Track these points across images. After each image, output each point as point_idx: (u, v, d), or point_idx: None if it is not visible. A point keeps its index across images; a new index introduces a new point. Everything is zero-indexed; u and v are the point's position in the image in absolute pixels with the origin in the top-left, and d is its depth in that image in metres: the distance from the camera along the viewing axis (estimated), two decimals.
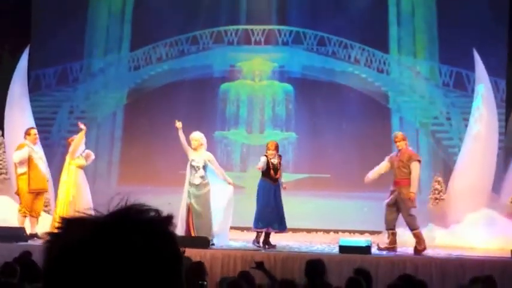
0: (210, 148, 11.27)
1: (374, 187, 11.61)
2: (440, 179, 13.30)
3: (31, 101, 14.41)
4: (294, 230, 12.10)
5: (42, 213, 11.94)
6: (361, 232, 13.14)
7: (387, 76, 14.90)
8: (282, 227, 10.87)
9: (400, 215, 10.67)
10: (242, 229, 12.63)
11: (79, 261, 1.20)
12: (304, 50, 15.15)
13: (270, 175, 10.90)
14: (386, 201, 10.69)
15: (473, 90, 13.75)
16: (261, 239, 10.83)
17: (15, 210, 11.64)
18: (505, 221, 12.06)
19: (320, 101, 14.83)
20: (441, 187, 13.17)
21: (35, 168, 11.62)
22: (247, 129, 15.11)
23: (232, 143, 15.02)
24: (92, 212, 1.28)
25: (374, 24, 14.93)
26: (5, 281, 5.58)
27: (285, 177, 11.31)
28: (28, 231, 11.15)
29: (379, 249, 10.56)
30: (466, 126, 13.54)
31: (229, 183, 11.12)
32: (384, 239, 10.95)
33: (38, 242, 10.27)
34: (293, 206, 11.25)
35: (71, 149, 11.53)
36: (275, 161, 10.98)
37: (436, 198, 13.13)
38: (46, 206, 12.76)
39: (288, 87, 15.16)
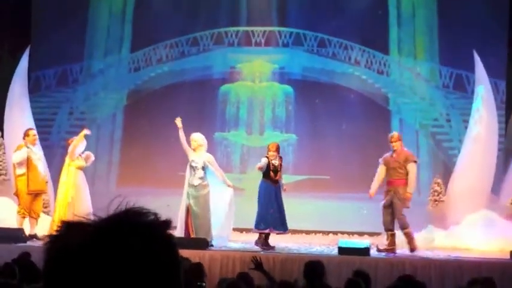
0: (210, 149, 11.27)
1: None
2: (439, 180, 13.30)
3: (31, 101, 14.42)
4: (293, 232, 12.09)
5: (42, 215, 11.94)
6: (360, 234, 13.14)
7: (387, 77, 14.90)
8: (283, 229, 10.87)
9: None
10: (241, 230, 12.63)
11: (78, 264, 1.21)
12: (304, 51, 15.16)
13: (271, 176, 10.90)
14: (382, 202, 10.69)
15: (473, 92, 13.76)
16: (264, 241, 10.84)
17: (15, 211, 11.64)
18: (505, 223, 12.06)
19: (320, 102, 14.83)
20: (441, 189, 13.17)
21: (34, 170, 11.61)
22: (247, 130, 15.11)
23: (232, 144, 15.02)
24: (92, 217, 1.28)
25: (374, 25, 14.94)
26: (4, 281, 5.57)
27: (285, 179, 11.31)
28: (27, 232, 11.15)
29: (378, 250, 10.55)
30: (466, 127, 13.54)
31: (229, 186, 11.10)
32: (383, 241, 10.95)
33: (37, 243, 10.27)
34: (292, 208, 11.25)
35: (70, 149, 11.52)
36: (276, 162, 10.98)
37: (436, 200, 13.13)
38: (45, 207, 12.76)
39: (288, 88, 15.16)
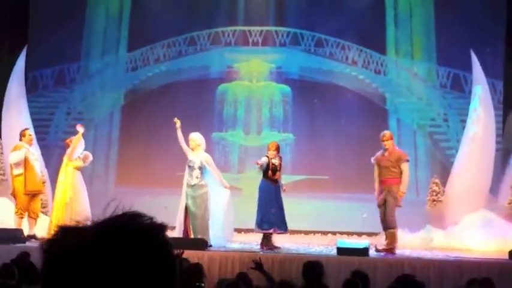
0: (208, 149, 11.26)
1: (372, 189, 11.58)
2: (437, 180, 13.31)
3: (28, 101, 14.40)
4: (292, 232, 12.08)
5: (40, 215, 11.92)
6: (359, 234, 13.15)
7: (384, 77, 14.91)
8: (284, 228, 10.88)
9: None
10: (240, 231, 12.62)
11: (76, 268, 1.21)
12: (301, 51, 15.16)
13: (270, 176, 10.89)
14: (377, 202, 10.71)
15: (470, 92, 13.78)
16: (269, 241, 10.84)
17: (13, 212, 11.62)
18: (503, 223, 12.06)
19: (317, 102, 14.83)
20: (439, 189, 13.17)
21: (31, 170, 11.60)
22: (245, 130, 15.11)
23: (230, 144, 15.02)
24: (88, 221, 1.29)
25: (371, 25, 14.95)
26: (3, 282, 5.56)
27: (283, 179, 11.30)
28: (26, 232, 11.13)
29: (377, 250, 10.55)
30: (464, 127, 13.56)
31: (225, 187, 11.08)
32: (381, 241, 10.95)
33: (36, 244, 10.24)
34: (291, 208, 11.24)
35: (68, 150, 11.50)
36: (276, 161, 10.98)
37: (434, 200, 13.14)
38: (44, 208, 12.74)
39: (286, 88, 15.16)
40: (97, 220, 1.28)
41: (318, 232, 13.70)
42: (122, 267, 1.21)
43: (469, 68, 13.80)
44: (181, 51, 15.49)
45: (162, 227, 1.30)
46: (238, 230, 12.57)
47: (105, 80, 15.57)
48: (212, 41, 15.40)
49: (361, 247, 10.09)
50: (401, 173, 10.55)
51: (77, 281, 1.21)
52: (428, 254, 10.71)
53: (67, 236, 1.26)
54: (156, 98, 15.06)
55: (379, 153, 10.82)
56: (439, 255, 10.61)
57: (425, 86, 14.74)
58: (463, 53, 13.81)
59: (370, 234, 12.66)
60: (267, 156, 10.98)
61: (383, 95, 14.88)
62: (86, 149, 11.87)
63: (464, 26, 14.19)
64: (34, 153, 11.97)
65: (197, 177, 10.69)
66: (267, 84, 15.30)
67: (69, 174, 11.41)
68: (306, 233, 13.50)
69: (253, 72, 15.33)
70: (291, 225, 11.07)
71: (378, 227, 11.03)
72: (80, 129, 11.57)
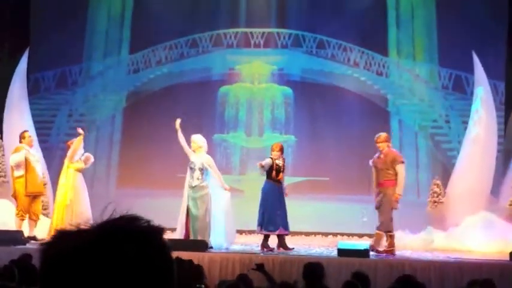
0: (209, 151, 11.27)
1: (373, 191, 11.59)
2: (439, 182, 13.29)
3: (30, 103, 14.42)
4: (293, 233, 12.07)
5: (41, 217, 11.93)
6: (360, 235, 13.14)
7: (386, 79, 14.91)
8: (287, 229, 10.90)
9: (393, 216, 10.66)
10: (241, 232, 12.62)
11: (73, 271, 1.21)
12: (303, 53, 15.16)
13: (274, 176, 10.89)
14: (375, 204, 10.72)
15: (472, 93, 13.76)
16: (266, 242, 10.85)
17: (14, 214, 11.64)
18: (504, 224, 12.04)
19: (319, 104, 14.83)
20: (440, 190, 13.16)
21: (32, 171, 11.61)
22: (247, 132, 15.11)
23: (232, 146, 15.02)
24: (88, 224, 1.29)
25: (373, 27, 14.95)
26: (3, 284, 5.56)
27: (285, 181, 11.30)
28: (26, 234, 11.14)
29: (378, 252, 10.54)
30: (465, 129, 13.54)
31: (226, 189, 11.06)
32: (382, 242, 10.94)
33: (36, 245, 10.25)
34: (292, 209, 11.23)
35: (69, 153, 11.52)
36: (280, 162, 10.99)
37: (435, 201, 13.12)
38: (45, 209, 12.76)
39: (287, 90, 15.16)
40: (95, 223, 1.29)
41: (319, 233, 13.69)
42: (119, 270, 1.21)
43: (470, 70, 13.79)
44: (183, 53, 15.50)
45: (160, 230, 1.30)
46: (240, 232, 12.56)
47: (107, 82, 15.58)
48: (214, 43, 15.41)
49: (362, 248, 10.08)
50: (396, 174, 10.55)
51: (74, 284, 1.21)
52: (429, 255, 10.70)
53: (65, 239, 1.27)
54: (158, 100, 15.07)
55: (376, 156, 10.83)
56: (440, 256, 10.60)
57: (427, 88, 14.73)
58: (464, 54, 13.80)
59: (370, 236, 12.63)
60: (271, 158, 10.99)
61: (385, 96, 14.87)
62: (87, 151, 11.88)
63: (466, 27, 14.18)
64: (35, 154, 11.99)
65: (198, 179, 10.70)
66: (269, 86, 15.30)
67: (70, 176, 11.43)
68: (307, 234, 13.49)
69: (255, 74, 15.33)
70: (291, 227, 11.08)
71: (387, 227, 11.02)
72: (80, 131, 11.59)
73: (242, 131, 15.11)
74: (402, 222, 11.73)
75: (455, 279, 9.13)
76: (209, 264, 9.44)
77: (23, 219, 11.46)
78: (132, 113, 15.29)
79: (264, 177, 11.13)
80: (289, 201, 11.16)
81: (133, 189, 13.94)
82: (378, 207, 10.69)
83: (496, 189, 12.93)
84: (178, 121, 10.85)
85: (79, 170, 11.55)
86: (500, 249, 11.05)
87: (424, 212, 13.04)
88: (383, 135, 10.90)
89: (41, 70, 15.35)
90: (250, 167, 14.43)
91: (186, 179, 10.86)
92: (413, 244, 11.96)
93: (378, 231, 10.69)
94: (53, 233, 1.31)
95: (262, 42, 15.31)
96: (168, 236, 10.59)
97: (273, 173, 10.88)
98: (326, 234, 13.61)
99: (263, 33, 15.31)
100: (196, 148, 10.84)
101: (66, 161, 11.56)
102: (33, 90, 15.07)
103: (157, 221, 1.34)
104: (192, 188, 10.69)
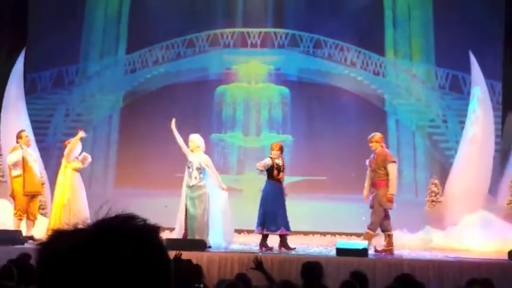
0: (207, 151, 11.26)
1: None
2: (436, 181, 13.31)
3: (27, 103, 14.40)
4: (291, 233, 12.05)
5: (39, 216, 11.92)
6: (358, 235, 13.13)
7: (383, 79, 14.92)
8: (289, 229, 10.91)
9: (390, 216, 10.67)
10: (239, 232, 12.61)
11: (69, 270, 1.21)
12: (300, 52, 15.16)
13: (275, 176, 10.89)
14: (370, 204, 10.74)
15: (469, 93, 13.78)
16: (264, 241, 10.84)
17: (12, 213, 11.62)
18: (502, 223, 12.06)
19: (316, 103, 14.83)
20: (438, 189, 13.18)
21: (30, 171, 11.60)
22: (244, 131, 15.11)
23: (229, 145, 15.01)
24: (82, 224, 1.28)
25: (370, 27, 14.96)
26: (1, 283, 5.55)
27: (284, 180, 11.29)
28: (24, 233, 11.12)
29: (376, 251, 10.55)
30: (463, 128, 13.57)
31: (223, 189, 11.05)
32: (380, 242, 10.94)
33: (34, 245, 10.23)
34: (290, 209, 11.22)
35: (66, 152, 11.51)
36: (279, 162, 10.98)
37: (433, 201, 13.14)
38: (42, 209, 12.75)
39: (284, 89, 15.16)
40: (90, 223, 1.28)
41: (317, 233, 13.68)
42: (115, 269, 1.20)
43: (467, 69, 13.80)
44: (179, 53, 15.49)
45: (156, 229, 1.30)
46: (238, 231, 12.56)
47: (103, 82, 15.56)
48: (211, 43, 15.40)
49: (360, 248, 10.08)
50: (388, 174, 10.56)
51: (70, 283, 1.20)
52: (427, 255, 10.71)
53: (61, 239, 1.26)
54: (155, 100, 15.05)
55: (371, 157, 10.86)
56: (438, 255, 10.61)
57: (424, 87, 14.74)
58: (461, 54, 13.82)
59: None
60: (270, 157, 10.98)
61: (382, 96, 14.88)
62: (84, 151, 11.87)
63: (463, 27, 14.19)
64: (32, 154, 11.98)
65: (196, 178, 10.70)
66: (266, 85, 15.30)
67: (68, 176, 11.41)
68: (305, 233, 13.48)
69: (252, 73, 15.33)
70: (290, 226, 11.07)
71: (377, 228, 11.03)
72: (82, 133, 11.56)
73: (239, 130, 15.11)
74: (400, 222, 11.73)
75: (453, 279, 9.13)
76: (208, 263, 9.43)
77: (21, 219, 11.45)
78: (129, 112, 15.28)
79: (263, 177, 11.13)
80: (286, 201, 11.16)
81: (131, 189, 13.93)
82: (371, 207, 10.72)
83: (493, 188, 12.95)
84: (173, 121, 10.85)
85: (76, 170, 11.53)
86: (499, 249, 11.06)
87: (422, 212, 13.05)
88: (377, 135, 10.89)
89: (37, 70, 15.33)
90: (248, 166, 14.43)
91: (184, 178, 10.86)
92: (411, 243, 11.98)
93: (367, 231, 10.70)
94: (50, 232, 1.30)
95: (259, 42, 15.31)
96: (166, 235, 10.60)
97: (275, 172, 10.87)
98: (324, 234, 13.60)
99: (260, 33, 15.31)
100: (194, 148, 10.84)
101: (63, 161, 11.54)
102: (30, 90, 15.04)
103: (155, 220, 1.33)
104: (190, 187, 10.69)
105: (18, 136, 11.81)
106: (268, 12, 15.38)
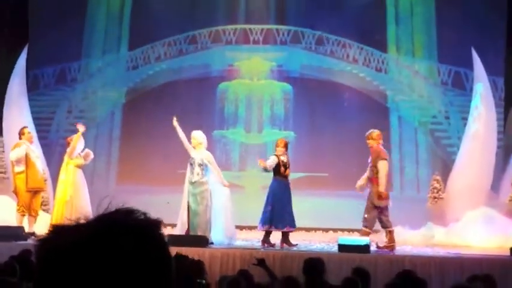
0: (209, 147, 11.27)
1: None
2: (439, 177, 13.31)
3: (29, 100, 14.42)
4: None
5: (41, 212, 11.94)
6: (360, 231, 13.13)
7: (386, 75, 14.91)
8: (294, 226, 10.91)
9: (389, 212, 10.68)
10: (241, 228, 12.61)
11: (69, 266, 1.20)
12: (302, 49, 15.16)
13: (281, 172, 10.88)
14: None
15: (471, 89, 13.78)
16: (267, 238, 10.85)
17: (15, 209, 11.64)
18: (504, 220, 12.06)
19: (318, 100, 14.83)
20: (440, 186, 13.17)
21: (33, 167, 11.62)
22: (246, 128, 15.11)
23: (231, 142, 15.01)
24: (83, 219, 1.27)
25: (372, 23, 14.95)
26: (4, 279, 5.56)
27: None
28: (26, 230, 11.14)
29: (378, 248, 10.55)
30: (465, 125, 13.56)
31: (225, 185, 11.05)
32: (382, 238, 10.95)
33: (34, 241, 10.23)
34: (292, 205, 11.23)
35: (68, 149, 11.52)
36: (285, 158, 10.98)
37: (435, 197, 13.14)
38: (45, 205, 12.78)
39: (286, 86, 15.16)
40: (91, 217, 1.27)
41: (319, 229, 13.69)
42: (116, 264, 1.20)
43: (470, 66, 13.80)
44: (182, 50, 15.49)
45: (157, 223, 1.28)
46: (240, 228, 12.56)
47: (106, 78, 15.57)
48: (213, 40, 15.40)
49: (362, 244, 10.08)
50: (378, 171, 10.58)
51: (70, 279, 1.19)
52: (429, 251, 10.71)
53: (61, 234, 1.25)
54: (157, 97, 15.06)
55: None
56: (440, 252, 10.61)
57: (426, 84, 14.74)
58: (464, 50, 13.81)
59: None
60: (275, 155, 10.96)
61: (384, 92, 14.88)
62: (87, 147, 11.88)
63: (465, 24, 14.18)
64: (35, 150, 12.00)
65: (198, 174, 10.71)
66: (268, 82, 15.30)
67: (70, 173, 11.42)
68: (307, 230, 13.48)
69: (254, 70, 15.33)
70: (295, 223, 11.08)
71: (379, 224, 11.03)
72: (81, 128, 11.57)
73: (241, 127, 15.11)
74: (402, 218, 11.74)
75: (455, 275, 9.12)
76: (210, 259, 9.44)
77: (23, 215, 11.47)
78: (132, 109, 15.29)
79: (264, 174, 11.13)
80: None
81: (133, 186, 13.94)
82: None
83: (496, 184, 12.95)
84: (174, 119, 10.86)
85: (79, 166, 11.55)
86: (501, 245, 11.06)
87: (424, 208, 13.05)
88: (374, 132, 10.88)
89: (40, 67, 15.34)
90: (250, 163, 14.44)
91: (186, 175, 10.87)
92: (413, 240, 11.98)
93: (363, 228, 10.69)
94: (48, 229, 1.30)
95: (261, 39, 15.30)
96: (168, 231, 10.61)
97: (281, 169, 10.86)
98: (326, 230, 13.62)
99: (262, 29, 15.31)
100: (196, 144, 10.85)
101: (65, 157, 11.56)
102: (33, 87, 15.06)
103: (157, 216, 1.33)
104: (192, 183, 10.70)
105: (21, 133, 11.83)
106: (271, 9, 15.38)
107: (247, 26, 15.35)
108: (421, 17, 14.91)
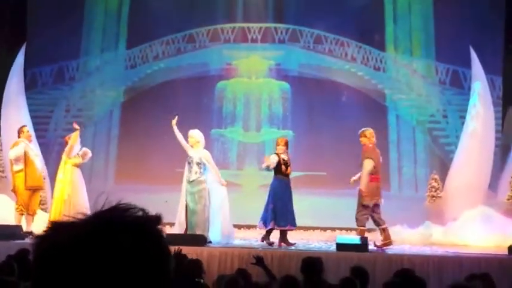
0: (207, 146, 11.27)
1: None
2: (437, 176, 13.31)
3: (27, 99, 14.41)
4: None
5: (39, 211, 11.94)
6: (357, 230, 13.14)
7: (384, 74, 14.91)
8: (294, 225, 10.91)
9: (381, 210, 10.71)
10: (239, 227, 12.61)
11: (66, 263, 1.19)
12: (300, 47, 15.15)
13: (283, 171, 10.87)
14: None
15: (469, 88, 13.78)
16: (267, 236, 10.85)
17: (13, 208, 11.64)
18: (502, 218, 12.06)
19: (316, 98, 14.82)
20: (438, 185, 13.18)
21: (31, 165, 11.62)
22: (244, 127, 15.10)
23: (229, 141, 15.01)
24: (80, 215, 1.25)
25: (370, 22, 14.95)
26: (0, 278, 5.55)
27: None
28: (24, 229, 11.14)
29: (376, 246, 10.56)
30: (463, 123, 13.56)
31: (222, 184, 11.03)
32: (379, 237, 10.95)
33: (31, 239, 10.22)
34: None
35: (66, 148, 11.52)
36: (285, 157, 10.97)
37: (433, 196, 13.15)
38: (43, 205, 12.77)
39: (285, 85, 15.16)
40: (88, 214, 1.25)
41: (317, 228, 13.69)
42: (113, 261, 1.18)
43: (468, 64, 13.79)
44: (180, 49, 15.49)
45: (156, 219, 1.26)
46: (238, 226, 12.56)
47: (104, 77, 15.56)
48: (211, 38, 15.39)
49: (360, 243, 10.09)
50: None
51: (67, 277, 1.18)
52: (427, 250, 10.72)
53: (58, 231, 1.24)
54: (155, 96, 15.05)
55: None
56: (438, 251, 10.61)
57: (424, 83, 14.74)
58: (462, 49, 13.81)
59: (369, 230, 12.64)
60: (276, 154, 10.95)
61: (382, 91, 14.88)
62: (85, 146, 11.88)
63: (463, 22, 14.18)
64: (33, 149, 12.01)
65: (196, 173, 10.71)
66: (266, 81, 15.30)
67: (68, 172, 11.42)
68: (305, 229, 13.47)
69: (252, 69, 15.33)
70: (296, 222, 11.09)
71: (364, 222, 11.04)
72: (76, 127, 11.58)
73: (239, 126, 15.10)
74: (400, 217, 11.75)
75: (453, 274, 9.13)
76: (208, 258, 9.44)
77: (22, 214, 11.47)
78: (130, 108, 15.28)
79: (262, 173, 11.14)
80: None
81: (131, 184, 13.92)
82: None
83: (494, 183, 12.96)
84: (174, 120, 10.86)
85: (76, 165, 11.55)
86: (499, 244, 11.06)
87: (422, 207, 13.06)
88: (367, 131, 10.91)
89: (38, 65, 15.33)
90: (248, 162, 14.44)
91: (184, 173, 10.87)
92: (411, 238, 11.98)
93: (358, 228, 10.73)
94: (46, 227, 1.28)
95: (259, 37, 15.30)
96: (166, 231, 10.59)
97: (283, 168, 10.85)
98: (324, 229, 13.61)
99: (260, 28, 15.30)
100: (194, 143, 10.85)
101: (63, 157, 11.56)
102: (31, 86, 15.05)
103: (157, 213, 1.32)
104: (190, 182, 10.70)
105: (20, 131, 11.83)
106: (269, 7, 15.37)
107: (245, 25, 15.35)
108: (419, 15, 14.91)
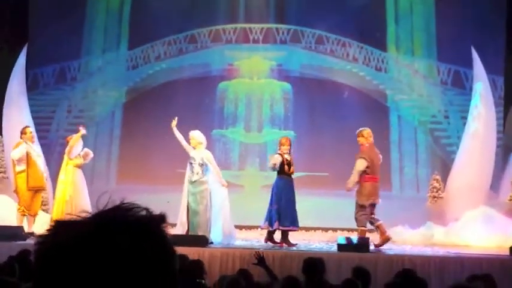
0: (208, 147, 11.27)
1: None
2: (438, 177, 13.31)
3: (29, 99, 14.42)
4: None
5: (40, 212, 11.94)
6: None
7: (385, 74, 14.91)
8: (297, 225, 10.91)
9: (376, 207, 10.74)
10: (240, 227, 12.61)
11: (66, 264, 1.18)
12: (302, 48, 15.15)
13: (286, 171, 10.87)
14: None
15: (471, 88, 13.78)
16: (270, 236, 10.84)
17: (14, 209, 11.64)
18: (504, 219, 12.05)
19: (318, 99, 14.82)
20: (439, 185, 13.18)
21: (34, 166, 11.63)
22: (246, 127, 15.10)
23: (231, 141, 15.01)
24: (84, 214, 1.24)
25: (372, 22, 14.94)
26: (2, 279, 5.55)
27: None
28: (26, 229, 11.14)
29: (376, 246, 10.57)
30: (464, 124, 13.56)
31: (223, 185, 11.03)
32: (377, 236, 10.96)
33: (33, 240, 10.22)
34: None
35: (67, 149, 11.54)
36: (288, 157, 10.98)
37: (435, 197, 13.14)
38: (44, 205, 12.77)
39: (286, 85, 15.15)
40: (90, 214, 1.24)
41: (319, 229, 13.68)
42: (112, 262, 1.17)
43: (469, 65, 13.79)
44: (181, 49, 15.49)
45: (159, 219, 1.23)
46: (239, 227, 12.56)
47: (106, 78, 15.57)
48: (213, 39, 15.39)
49: (361, 243, 10.09)
50: (364, 171, 10.63)
51: (67, 277, 1.17)
52: (428, 250, 10.71)
53: (60, 231, 1.23)
54: (157, 96, 15.06)
55: None
56: (439, 251, 10.61)
57: (426, 83, 14.74)
58: (463, 49, 13.80)
59: (370, 231, 12.65)
60: (279, 153, 10.95)
61: (384, 91, 14.87)
62: (87, 147, 11.88)
63: (464, 23, 14.18)
64: (36, 149, 12.01)
65: (198, 174, 10.71)
66: (268, 81, 15.30)
67: (70, 173, 11.43)
68: (307, 229, 13.47)
69: (254, 69, 15.32)
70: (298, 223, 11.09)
71: (364, 222, 11.05)
72: (83, 130, 11.59)
73: (241, 126, 15.10)
74: (402, 217, 11.74)
75: (455, 274, 9.13)
76: (209, 259, 9.44)
77: (24, 215, 11.47)
78: (132, 108, 15.28)
79: (264, 173, 11.14)
80: None
81: (133, 185, 13.92)
82: None
83: (495, 184, 12.95)
84: (174, 122, 10.86)
85: (78, 166, 11.56)
86: (500, 244, 11.06)
87: (424, 207, 13.05)
88: (365, 131, 10.96)
89: (39, 66, 15.34)
90: (249, 162, 14.44)
91: (186, 174, 10.87)
92: (413, 239, 11.98)
93: (358, 228, 10.75)
94: (48, 226, 1.28)
95: (261, 38, 15.30)
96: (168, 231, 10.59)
97: (286, 168, 10.85)
98: (326, 230, 13.61)
99: (262, 28, 15.30)
100: (196, 144, 10.86)
101: (65, 157, 11.57)
102: (32, 86, 15.05)
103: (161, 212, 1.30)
104: (192, 183, 10.71)
105: (23, 132, 11.84)
106: (270, 8, 15.37)
107: (247, 25, 15.35)
108: (420, 15, 14.91)
